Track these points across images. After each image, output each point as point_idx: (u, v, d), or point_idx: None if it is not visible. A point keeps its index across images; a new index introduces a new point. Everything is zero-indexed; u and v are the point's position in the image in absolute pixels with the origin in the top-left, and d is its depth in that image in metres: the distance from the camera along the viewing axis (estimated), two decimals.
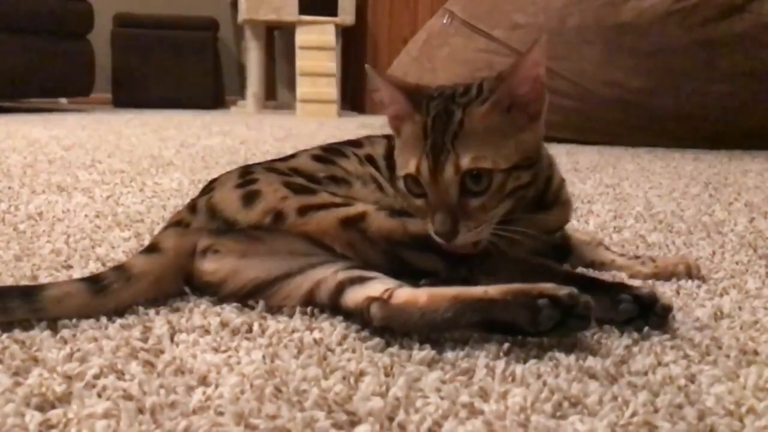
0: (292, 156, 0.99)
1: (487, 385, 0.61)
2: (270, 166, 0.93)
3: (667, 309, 0.76)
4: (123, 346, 0.68)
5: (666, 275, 0.96)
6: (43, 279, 0.90)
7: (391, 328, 0.72)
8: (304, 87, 4.87)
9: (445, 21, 3.43)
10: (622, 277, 0.97)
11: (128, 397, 0.58)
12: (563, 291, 0.67)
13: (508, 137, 0.80)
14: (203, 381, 0.62)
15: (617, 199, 1.67)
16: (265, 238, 0.82)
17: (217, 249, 0.82)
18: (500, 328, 0.71)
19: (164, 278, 0.81)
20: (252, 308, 0.80)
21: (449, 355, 0.68)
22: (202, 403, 0.57)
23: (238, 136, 3.14)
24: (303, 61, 4.93)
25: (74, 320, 0.74)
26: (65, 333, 0.71)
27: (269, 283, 0.80)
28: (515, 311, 0.69)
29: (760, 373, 0.64)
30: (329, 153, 0.98)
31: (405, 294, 0.72)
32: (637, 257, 1.02)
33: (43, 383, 0.59)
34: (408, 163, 0.81)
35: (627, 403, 0.58)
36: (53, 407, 0.56)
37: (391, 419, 0.55)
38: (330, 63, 4.98)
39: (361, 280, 0.77)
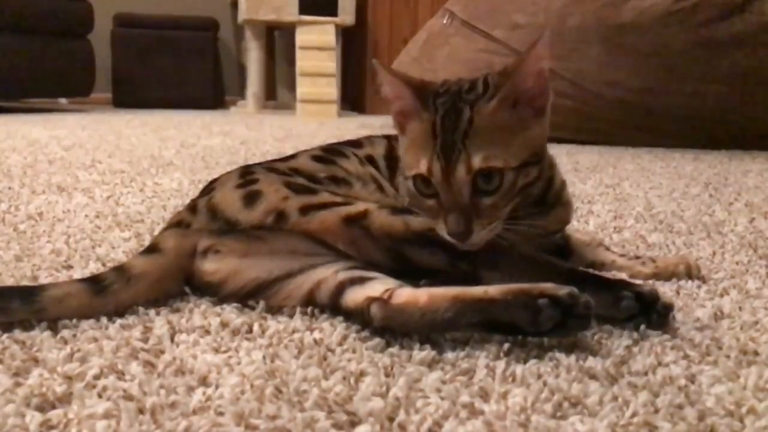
0: (292, 156, 0.99)
1: (487, 386, 0.61)
2: (270, 167, 0.93)
3: (669, 307, 0.76)
4: (123, 347, 0.68)
5: (666, 275, 0.96)
6: (44, 279, 0.90)
7: (391, 328, 0.72)
8: (304, 87, 4.87)
9: (445, 21, 3.43)
10: (623, 277, 0.97)
11: (129, 397, 0.58)
12: (563, 291, 0.67)
13: (516, 134, 0.80)
14: (203, 381, 0.62)
15: (617, 199, 1.67)
16: (267, 238, 0.82)
17: (218, 249, 0.82)
18: (500, 328, 0.71)
19: (164, 279, 0.81)
20: (252, 308, 0.80)
21: (449, 355, 0.68)
22: (203, 404, 0.57)
23: (238, 136, 3.14)
24: (303, 61, 4.93)
25: (74, 321, 0.74)
26: (65, 333, 0.71)
27: (270, 283, 0.81)
28: (515, 311, 0.69)
29: (760, 374, 0.64)
30: (329, 153, 0.98)
31: (405, 294, 0.72)
32: (637, 257, 1.02)
33: (43, 383, 0.59)
34: (418, 163, 0.80)
35: (627, 403, 0.58)
36: (53, 407, 0.56)
37: (391, 419, 0.55)
38: (330, 63, 4.98)
39: (362, 281, 0.77)
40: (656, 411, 0.57)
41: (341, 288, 0.77)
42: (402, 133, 0.87)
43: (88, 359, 0.65)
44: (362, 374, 0.63)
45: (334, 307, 0.78)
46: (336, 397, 0.58)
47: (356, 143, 1.04)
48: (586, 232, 1.26)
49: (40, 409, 0.56)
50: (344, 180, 0.93)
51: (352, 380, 0.62)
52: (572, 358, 0.67)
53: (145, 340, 0.70)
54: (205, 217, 0.85)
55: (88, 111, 4.93)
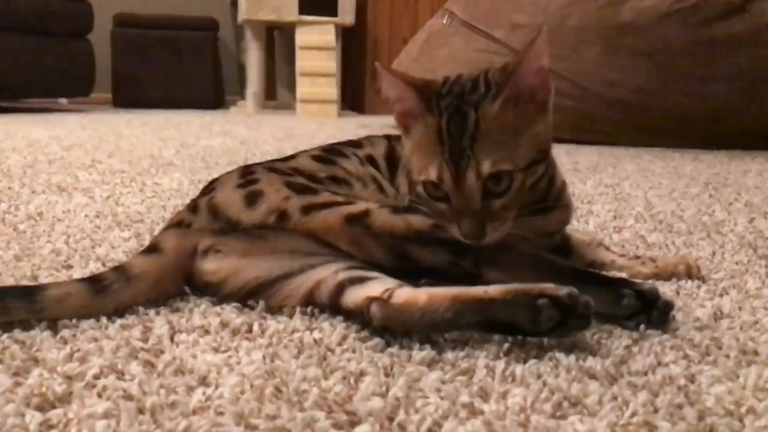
0: (293, 156, 0.99)
1: (487, 385, 0.61)
2: (271, 167, 0.93)
3: (669, 306, 0.76)
4: (123, 347, 0.68)
5: (666, 275, 0.96)
6: (44, 279, 0.90)
7: (390, 328, 0.72)
8: (304, 87, 4.87)
9: (445, 21, 3.43)
10: (623, 277, 0.97)
11: (128, 397, 0.58)
12: (563, 291, 0.68)
13: (521, 133, 0.80)
14: (203, 381, 0.62)
15: (617, 199, 1.67)
16: (268, 237, 0.82)
17: (219, 249, 0.82)
18: (500, 328, 0.71)
19: (165, 278, 0.81)
20: (252, 308, 0.80)
21: (449, 355, 0.68)
22: (202, 403, 0.57)
23: (238, 136, 3.14)
24: (303, 61, 4.93)
25: (74, 320, 0.74)
26: (65, 333, 0.71)
27: (270, 283, 0.81)
28: (515, 311, 0.69)
29: (760, 374, 0.64)
30: (329, 153, 0.98)
31: (405, 294, 0.72)
32: (637, 257, 1.02)
33: (43, 383, 0.59)
34: (427, 170, 0.80)
35: (627, 403, 0.58)
36: (53, 407, 0.56)
37: (391, 419, 0.55)
38: (330, 63, 4.98)
39: (361, 280, 0.77)
40: (656, 411, 0.57)
41: (341, 288, 0.77)
42: (406, 135, 0.87)
43: (88, 359, 0.65)
44: (362, 374, 0.63)
45: (333, 307, 0.78)
46: (336, 396, 0.58)
47: (356, 143, 1.04)
48: (586, 231, 1.26)
49: (40, 408, 0.56)
50: (344, 180, 0.93)
51: (351, 380, 0.62)
52: (572, 358, 0.67)
53: (145, 340, 0.70)
54: (206, 216, 0.85)
55: (88, 111, 4.93)
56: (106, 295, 0.76)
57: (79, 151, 2.38)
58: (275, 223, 0.82)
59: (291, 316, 0.78)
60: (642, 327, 0.75)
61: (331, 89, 4.93)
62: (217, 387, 0.60)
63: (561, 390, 0.60)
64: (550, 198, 0.92)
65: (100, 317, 0.75)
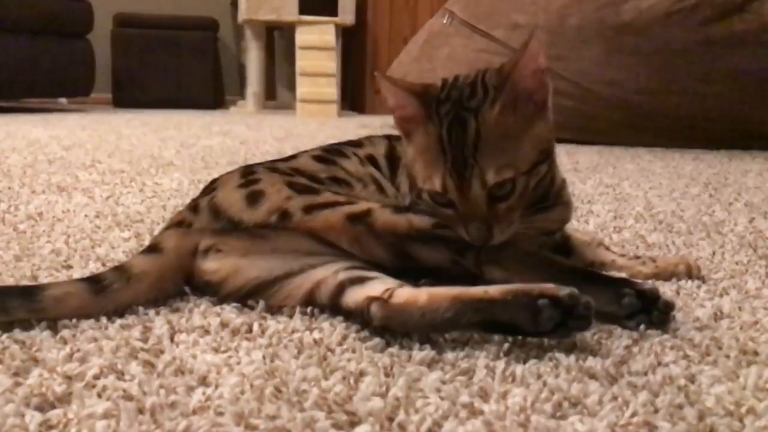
0: (293, 156, 0.99)
1: (487, 386, 0.61)
2: (271, 167, 0.93)
3: (670, 306, 0.76)
4: (123, 347, 0.68)
5: (666, 275, 0.96)
6: (43, 279, 0.90)
7: (391, 328, 0.72)
8: (304, 87, 4.87)
9: (445, 21, 3.43)
10: (623, 276, 0.97)
11: (128, 397, 0.58)
12: (564, 291, 0.67)
13: (522, 136, 0.80)
14: (203, 381, 0.62)
15: (617, 199, 1.67)
16: (269, 237, 0.82)
17: (220, 248, 0.82)
18: (500, 329, 0.71)
19: (165, 278, 0.81)
20: (252, 308, 0.80)
21: (449, 355, 0.68)
22: (202, 404, 0.57)
23: (238, 136, 3.14)
24: (303, 61, 4.93)
25: (74, 320, 0.74)
26: (65, 333, 0.71)
27: (270, 283, 0.81)
28: (515, 311, 0.69)
29: (760, 374, 0.64)
30: (330, 153, 0.98)
31: (405, 294, 0.72)
32: (637, 257, 1.02)
33: (43, 383, 0.59)
34: (432, 180, 0.81)
35: (627, 403, 0.58)
36: (53, 407, 0.56)
37: (391, 419, 0.55)
38: (330, 63, 4.98)
39: (362, 280, 0.77)
40: (656, 411, 0.57)
41: (341, 288, 0.77)
42: (407, 139, 0.87)
43: (88, 359, 0.65)
44: (362, 374, 0.63)
45: (334, 307, 0.78)
46: (336, 397, 0.58)
47: (357, 143, 1.04)
48: (586, 231, 1.26)
49: (40, 408, 0.56)
50: (345, 181, 0.93)
51: (351, 380, 0.62)
52: (572, 358, 0.67)
53: (145, 340, 0.70)
54: (207, 216, 0.85)
55: (88, 111, 4.93)
56: (106, 295, 0.76)
57: (79, 151, 2.38)
58: (277, 223, 0.82)
59: (291, 316, 0.78)
60: (642, 327, 0.75)
61: (331, 89, 4.93)
62: (217, 387, 0.60)
63: (561, 390, 0.60)
64: (550, 196, 0.92)
65: (100, 317, 0.75)
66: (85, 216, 1.30)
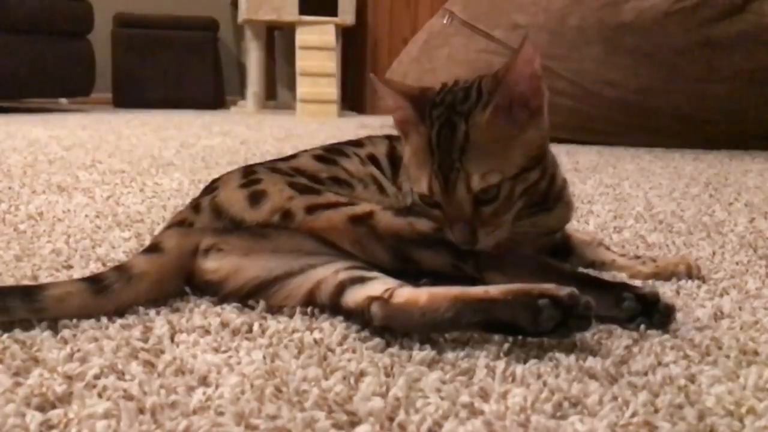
0: (294, 156, 0.99)
1: (487, 386, 0.61)
2: (272, 167, 0.93)
3: (670, 308, 0.76)
4: (123, 347, 0.68)
5: (666, 275, 0.96)
6: (44, 279, 0.90)
7: (391, 327, 0.72)
8: (304, 87, 4.87)
9: (445, 21, 3.43)
10: (623, 277, 0.97)
11: (129, 397, 0.58)
12: (564, 291, 0.68)
13: (513, 141, 0.80)
14: (203, 381, 0.62)
15: (617, 199, 1.67)
16: (271, 236, 0.82)
17: (221, 248, 0.82)
18: (501, 328, 0.71)
19: (165, 278, 0.81)
20: (252, 308, 0.80)
21: (449, 355, 0.68)
22: (203, 404, 0.57)
23: (238, 136, 3.14)
24: (303, 61, 4.93)
25: (75, 320, 0.74)
26: (66, 333, 0.71)
27: (270, 283, 0.81)
28: (516, 311, 0.69)
29: (760, 374, 0.64)
30: (331, 153, 0.98)
31: (405, 294, 0.72)
32: (637, 257, 1.02)
33: (43, 383, 0.59)
34: (419, 181, 0.82)
35: (627, 403, 0.58)
36: (54, 407, 0.56)
37: (391, 419, 0.55)
38: (330, 63, 4.98)
39: (362, 280, 0.77)
40: (656, 411, 0.57)
41: (341, 288, 0.77)
42: (405, 141, 0.88)
43: (89, 359, 0.65)
44: (362, 374, 0.63)
45: (334, 306, 0.78)
46: (336, 397, 0.58)
47: (358, 143, 1.04)
48: (587, 231, 1.26)
49: (40, 408, 0.56)
50: (346, 182, 0.93)
51: (352, 380, 0.62)
52: (572, 358, 0.67)
53: (145, 340, 0.70)
54: (208, 215, 0.85)
55: (88, 111, 4.93)
56: (107, 294, 0.76)
57: (80, 151, 2.38)
58: (279, 222, 0.82)
59: (291, 316, 0.78)
60: (642, 327, 0.75)
61: (331, 89, 4.93)
62: (217, 387, 0.60)
63: (561, 390, 0.60)
64: (551, 196, 0.92)
65: (101, 317, 0.75)
66: (86, 216, 1.30)
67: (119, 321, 0.75)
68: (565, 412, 0.57)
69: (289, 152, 1.04)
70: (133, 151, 2.40)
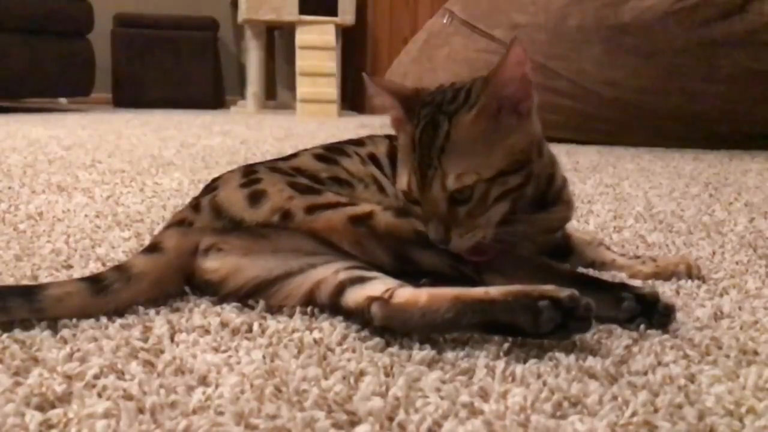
0: (294, 155, 0.99)
1: (487, 385, 0.61)
2: (273, 166, 0.93)
3: (670, 308, 0.76)
4: (123, 346, 0.68)
5: (666, 275, 0.96)
6: (44, 279, 0.90)
7: (391, 327, 0.72)
8: (304, 87, 4.87)
9: (445, 21, 3.43)
10: (623, 277, 0.97)
11: (128, 396, 0.58)
12: (564, 293, 0.67)
13: (495, 143, 0.80)
14: (203, 381, 0.62)
15: (617, 199, 1.67)
16: (271, 236, 0.82)
17: (221, 247, 0.82)
18: (501, 329, 0.71)
19: (165, 278, 0.81)
20: (252, 308, 0.80)
21: (449, 355, 0.68)
22: (202, 403, 0.57)
23: (238, 135, 3.14)
24: (303, 61, 4.93)
25: (74, 320, 0.74)
26: (65, 333, 0.71)
27: (270, 283, 0.81)
28: (516, 312, 0.69)
29: (760, 373, 0.64)
30: (331, 152, 0.98)
31: (406, 294, 0.72)
32: (637, 257, 1.02)
33: (43, 383, 0.59)
34: (401, 179, 0.83)
35: (627, 402, 0.58)
36: (53, 407, 0.56)
37: (391, 419, 0.55)
38: (330, 63, 4.98)
39: (362, 280, 0.77)
40: (656, 411, 0.57)
41: (341, 288, 0.77)
42: (401, 138, 0.88)
43: (88, 359, 0.65)
44: (362, 374, 0.63)
45: (334, 306, 0.78)
46: (336, 396, 0.58)
47: (358, 142, 1.04)
48: (587, 231, 1.26)
49: (40, 408, 0.56)
50: (346, 181, 0.93)
51: (351, 380, 0.62)
52: (572, 357, 0.67)
53: (145, 340, 0.70)
54: (208, 215, 0.85)
55: (88, 111, 4.93)
56: (107, 294, 0.76)
57: (79, 150, 2.38)
58: (279, 222, 0.82)
59: (291, 316, 0.78)
60: (642, 327, 0.75)
61: (331, 89, 4.93)
62: (217, 387, 0.60)
63: (561, 390, 0.60)
64: (550, 195, 0.92)
65: (100, 317, 0.75)
66: (86, 216, 1.30)
67: (119, 321, 0.75)
68: (564, 412, 0.57)
69: (289, 152, 1.03)
70: (133, 151, 2.40)
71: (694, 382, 0.63)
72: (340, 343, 0.70)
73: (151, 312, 0.78)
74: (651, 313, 0.76)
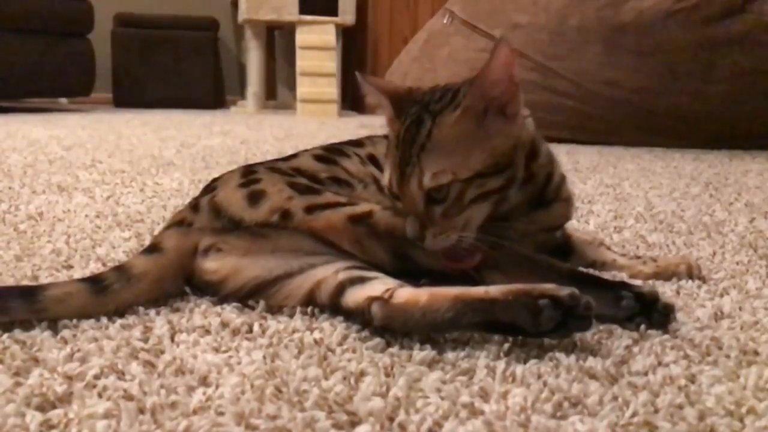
0: (294, 156, 0.99)
1: (487, 386, 0.61)
2: (272, 166, 0.93)
3: (669, 307, 0.76)
4: (123, 347, 0.68)
5: (667, 275, 0.96)
6: (44, 279, 0.90)
7: (391, 327, 0.72)
8: (304, 87, 4.87)
9: (445, 21, 3.43)
10: (623, 277, 0.97)
11: (129, 397, 0.58)
12: (564, 291, 0.68)
13: (476, 145, 0.80)
14: (204, 381, 0.62)
15: (617, 199, 1.67)
16: (270, 236, 0.82)
17: (220, 248, 0.82)
18: (501, 329, 0.71)
19: (165, 278, 0.82)
20: (252, 308, 0.80)
21: (450, 355, 0.68)
22: (203, 404, 0.57)
23: (238, 135, 3.14)
24: (303, 60, 4.93)
25: (75, 320, 0.74)
26: (66, 333, 0.71)
27: (270, 283, 0.81)
28: (516, 311, 0.69)
29: (760, 374, 0.64)
30: (331, 153, 0.99)
31: (406, 294, 0.73)
32: (638, 257, 1.02)
33: (43, 383, 0.59)
34: (385, 174, 0.84)
35: (627, 403, 0.58)
36: (54, 407, 0.56)
37: (391, 419, 0.55)
38: (330, 63, 4.98)
39: (362, 280, 0.77)
40: (656, 411, 0.57)
41: (341, 288, 0.77)
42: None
43: (89, 359, 0.65)
44: (362, 374, 0.63)
45: (334, 307, 0.78)
46: (336, 397, 0.58)
47: (358, 143, 1.04)
48: (587, 231, 1.26)
49: (41, 408, 0.56)
50: (346, 181, 0.93)
51: (352, 380, 0.62)
52: (572, 358, 0.67)
53: (146, 340, 0.70)
54: (207, 215, 0.85)
55: (88, 111, 4.93)
56: (107, 295, 0.76)
57: (80, 150, 2.38)
58: (278, 222, 0.82)
59: (291, 316, 0.78)
60: (642, 327, 0.75)
61: (331, 89, 4.93)
62: (217, 387, 0.60)
63: (561, 390, 0.60)
64: (548, 193, 0.91)
65: (101, 317, 0.75)
66: (86, 216, 1.30)
67: (119, 321, 0.75)
68: (565, 412, 0.57)
69: (289, 152, 1.04)
70: (134, 151, 2.40)
71: (695, 383, 0.63)
72: (340, 344, 0.70)
73: (152, 312, 0.78)
74: (650, 312, 0.76)
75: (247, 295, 0.81)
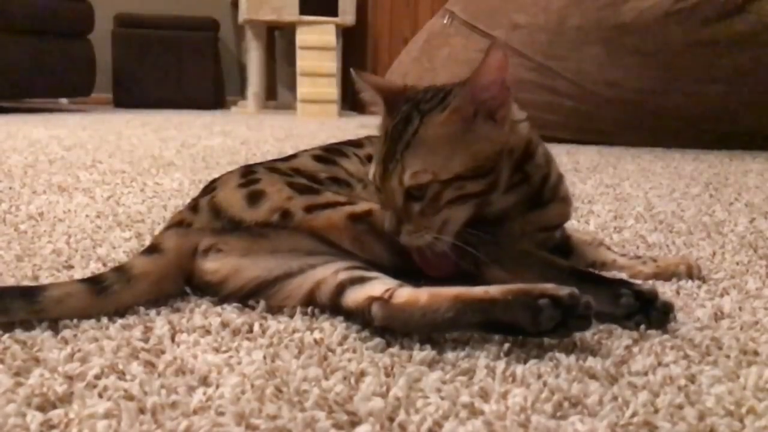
0: (294, 156, 0.99)
1: (487, 386, 0.61)
2: (272, 167, 0.93)
3: (668, 306, 0.76)
4: (124, 347, 0.68)
5: (667, 275, 0.96)
6: (44, 279, 0.90)
7: (391, 328, 0.72)
8: (304, 87, 4.87)
9: (445, 21, 3.43)
10: (623, 277, 0.97)
11: (129, 397, 0.58)
12: (564, 291, 0.68)
13: (460, 147, 0.80)
14: (204, 381, 0.62)
15: (617, 199, 1.67)
16: (270, 236, 0.82)
17: (220, 248, 0.82)
18: (501, 328, 0.71)
19: (165, 279, 0.82)
20: (252, 308, 0.80)
21: (450, 355, 0.68)
22: (203, 404, 0.57)
23: (238, 136, 3.14)
24: (303, 61, 4.93)
25: (75, 321, 0.74)
26: (66, 333, 0.71)
27: (270, 283, 0.81)
28: (516, 311, 0.69)
29: (760, 374, 0.64)
30: (330, 153, 0.99)
31: (406, 294, 0.73)
32: (638, 257, 1.02)
33: (44, 383, 0.59)
34: (371, 168, 0.85)
35: (627, 403, 0.59)
36: (54, 407, 0.57)
37: (391, 419, 0.55)
38: (330, 63, 4.98)
39: (362, 280, 0.77)
40: (656, 411, 0.57)
41: (341, 288, 0.77)
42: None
43: (89, 359, 0.65)
44: (362, 374, 0.63)
45: (334, 307, 0.78)
46: (336, 397, 0.58)
47: (357, 143, 1.04)
48: (587, 231, 1.26)
49: (41, 408, 0.56)
50: (345, 181, 0.93)
51: (352, 380, 0.62)
52: (572, 358, 0.67)
53: (146, 340, 0.70)
54: (207, 216, 0.85)
55: (88, 111, 4.93)
56: (107, 295, 0.76)
57: (80, 151, 2.38)
58: (278, 222, 0.82)
59: (291, 317, 0.78)
60: (642, 327, 0.75)
61: (331, 89, 4.93)
62: (217, 387, 0.60)
63: (561, 390, 0.60)
64: (545, 192, 0.91)
65: (101, 317, 0.75)
66: (86, 216, 1.30)
67: (120, 321, 0.75)
68: (565, 412, 0.57)
69: (290, 152, 1.04)
70: (134, 151, 2.40)
71: (695, 383, 0.63)
72: (340, 344, 0.71)
73: (152, 312, 0.78)
74: (649, 311, 0.76)
75: (247, 296, 0.81)
